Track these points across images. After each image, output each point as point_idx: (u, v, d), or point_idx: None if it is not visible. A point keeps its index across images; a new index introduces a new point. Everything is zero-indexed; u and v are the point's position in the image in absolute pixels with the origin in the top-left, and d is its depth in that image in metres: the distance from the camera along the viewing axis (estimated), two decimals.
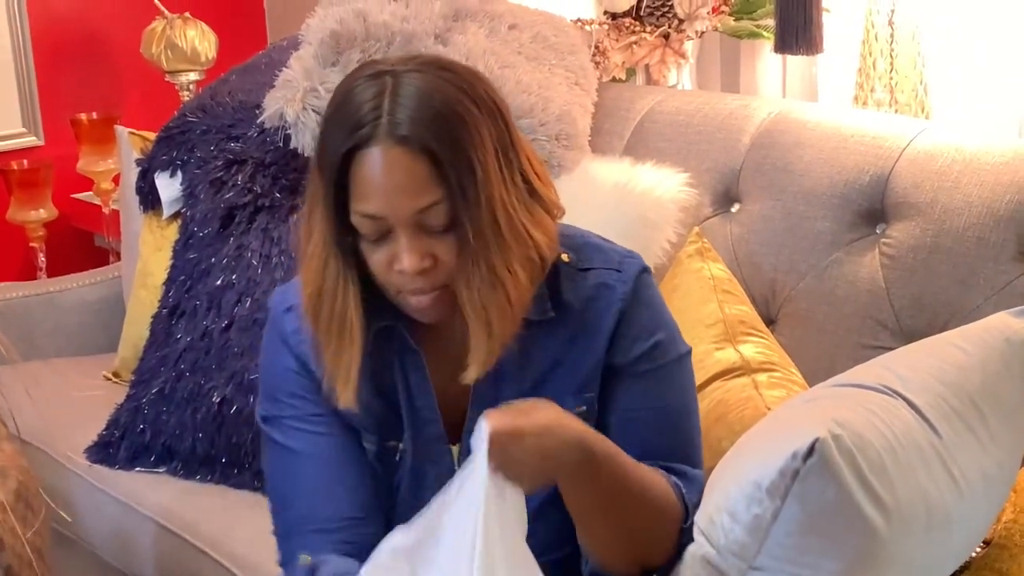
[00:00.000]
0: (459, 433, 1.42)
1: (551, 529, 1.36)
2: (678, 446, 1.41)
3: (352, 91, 1.29)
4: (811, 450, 1.16)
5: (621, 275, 1.41)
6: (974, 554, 1.50)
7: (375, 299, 1.36)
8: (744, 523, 1.21)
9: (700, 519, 1.29)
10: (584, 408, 1.39)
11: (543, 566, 1.24)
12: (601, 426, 1.39)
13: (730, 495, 1.24)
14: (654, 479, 1.35)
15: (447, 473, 1.33)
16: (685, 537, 1.32)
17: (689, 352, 1.46)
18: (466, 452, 1.33)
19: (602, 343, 1.39)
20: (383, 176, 1.26)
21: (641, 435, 1.39)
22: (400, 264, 1.29)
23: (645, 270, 1.44)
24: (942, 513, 1.27)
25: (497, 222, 1.28)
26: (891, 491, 1.20)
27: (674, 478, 1.37)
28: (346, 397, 1.35)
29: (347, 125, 1.27)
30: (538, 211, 1.34)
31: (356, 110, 1.27)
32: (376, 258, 1.31)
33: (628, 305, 1.40)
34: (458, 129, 1.26)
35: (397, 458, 1.43)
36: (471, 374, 1.33)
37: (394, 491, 1.44)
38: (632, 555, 1.35)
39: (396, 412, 1.42)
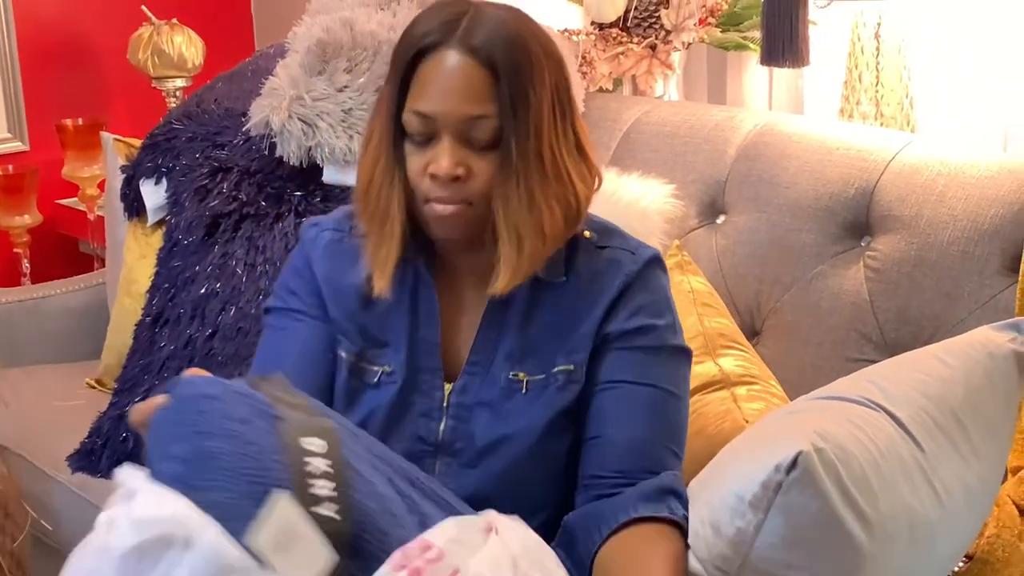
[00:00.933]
0: (454, 375, 1.46)
1: (534, 493, 1.41)
2: (666, 433, 1.43)
3: (435, 7, 1.39)
4: (794, 463, 1.16)
5: (634, 256, 1.47)
6: (957, 568, 1.50)
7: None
8: (727, 536, 1.21)
9: None
10: (572, 368, 1.43)
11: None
12: (593, 400, 1.43)
13: (713, 507, 1.23)
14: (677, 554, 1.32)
15: (434, 411, 1.43)
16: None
17: (689, 353, 1.48)
18: (458, 392, 1.43)
19: (599, 312, 1.44)
20: (445, 78, 1.35)
21: (632, 413, 1.42)
22: (436, 166, 1.36)
23: (658, 259, 1.49)
24: (925, 527, 1.27)
25: (541, 154, 1.36)
26: (874, 505, 1.20)
27: (682, 512, 1.35)
28: (380, 286, 1.43)
29: (424, 30, 1.37)
30: (582, 166, 1.42)
31: (435, 19, 1.37)
32: (415, 160, 1.38)
33: (632, 281, 1.45)
34: (523, 59, 1.35)
35: (376, 380, 1.47)
36: (499, 286, 1.39)
37: (365, 417, 1.46)
38: None
39: (388, 337, 1.47)
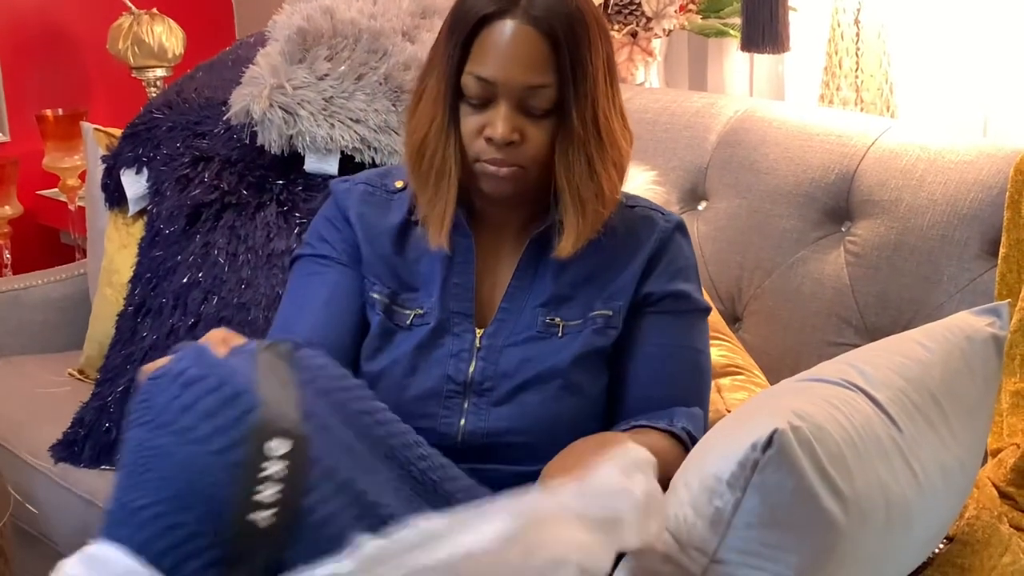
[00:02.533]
0: (486, 322, 1.52)
1: (566, 432, 1.43)
2: (694, 390, 1.52)
3: None
4: (770, 441, 1.17)
5: (665, 217, 1.56)
6: (937, 550, 1.51)
7: None
8: (705, 517, 1.21)
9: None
10: (610, 313, 1.50)
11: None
12: (627, 359, 1.51)
13: (692, 490, 1.24)
14: (652, 442, 1.37)
15: (464, 352, 1.48)
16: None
17: (708, 310, 1.57)
18: (490, 335, 1.49)
19: (639, 264, 1.51)
20: (508, 46, 1.40)
21: (666, 371, 1.50)
22: (493, 130, 1.41)
23: (684, 225, 1.57)
24: (902, 506, 1.28)
25: (597, 122, 1.43)
26: (850, 483, 1.21)
27: (680, 424, 1.46)
28: (438, 240, 1.49)
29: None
30: (626, 131, 1.50)
31: None
32: (471, 121, 1.44)
33: (668, 239, 1.53)
34: (581, 31, 1.41)
35: (408, 322, 1.52)
36: (564, 249, 1.46)
37: (396, 357, 1.50)
38: None
39: (421, 282, 1.53)
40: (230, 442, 1.17)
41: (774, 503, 1.18)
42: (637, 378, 1.51)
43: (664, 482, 1.29)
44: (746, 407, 1.40)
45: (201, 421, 1.19)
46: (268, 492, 1.16)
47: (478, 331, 1.51)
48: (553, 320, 1.50)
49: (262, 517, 1.16)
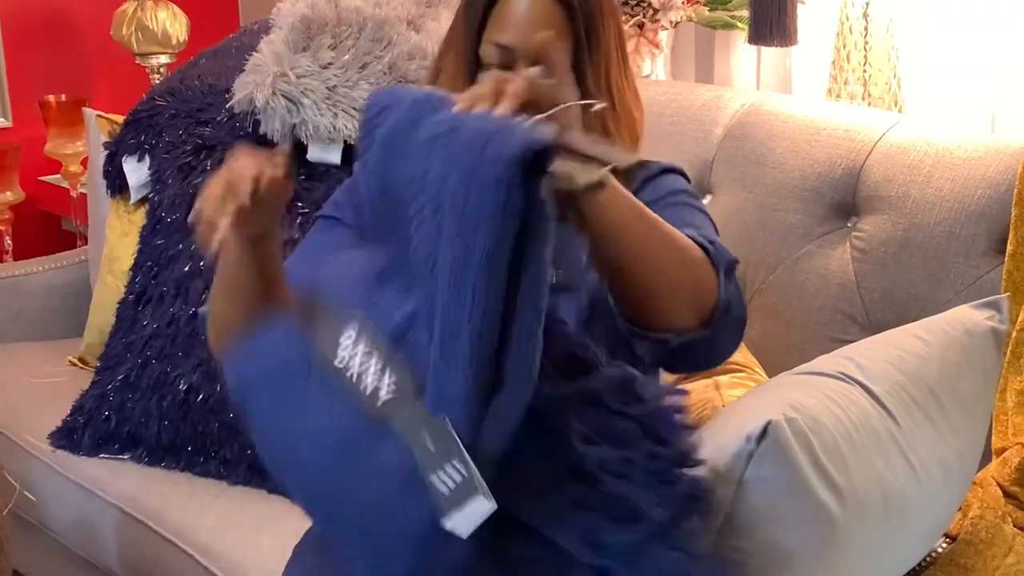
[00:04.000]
0: None
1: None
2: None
3: None
4: (764, 432, 1.16)
5: (659, 164, 1.56)
6: (940, 549, 1.50)
7: None
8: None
9: None
10: None
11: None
12: None
13: None
14: (675, 231, 1.35)
15: None
16: (724, 291, 1.32)
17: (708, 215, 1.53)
18: None
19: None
20: (524, 12, 1.45)
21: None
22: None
23: (675, 169, 1.57)
24: (899, 500, 1.27)
25: (610, 88, 1.49)
26: (846, 475, 1.20)
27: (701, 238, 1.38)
28: None
29: None
30: (638, 101, 1.55)
31: None
32: None
33: (654, 176, 1.53)
34: (595, 2, 1.47)
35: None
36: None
37: None
38: (678, 292, 1.32)
39: None
40: None
41: (770, 495, 1.18)
42: None
43: (686, 265, 1.29)
44: (742, 401, 1.39)
45: None
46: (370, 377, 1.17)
47: None
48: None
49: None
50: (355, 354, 1.17)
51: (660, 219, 1.32)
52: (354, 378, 1.15)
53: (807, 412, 1.20)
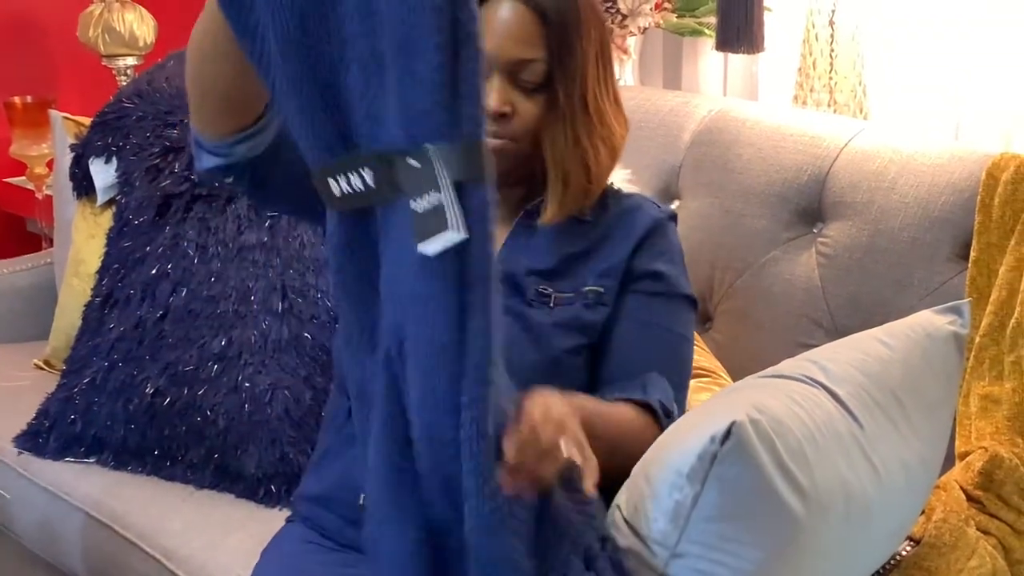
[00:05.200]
0: None
1: None
2: (667, 371, 1.52)
3: None
4: (728, 433, 1.17)
5: (659, 208, 1.62)
6: (904, 552, 1.51)
7: None
8: (666, 510, 1.22)
9: (626, 510, 1.28)
10: (601, 290, 1.54)
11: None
12: (605, 336, 1.53)
13: (653, 484, 1.24)
14: (623, 412, 1.44)
15: None
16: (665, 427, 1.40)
17: (695, 301, 1.60)
18: None
19: (631, 244, 1.55)
20: (501, 22, 1.48)
21: (637, 347, 1.53)
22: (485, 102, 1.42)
23: (676, 218, 1.64)
24: (861, 501, 1.28)
25: (586, 100, 1.50)
26: (809, 476, 1.21)
27: (656, 397, 1.47)
28: None
29: None
30: (620, 115, 1.57)
31: None
32: None
33: (660, 225, 1.58)
34: (573, 13, 1.49)
35: None
36: (546, 217, 1.53)
37: None
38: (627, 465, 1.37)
39: None
40: None
41: (733, 496, 1.18)
42: (610, 354, 1.53)
43: (636, 453, 1.31)
44: (707, 403, 1.41)
45: None
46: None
47: None
48: (546, 289, 1.53)
49: None
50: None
51: (610, 425, 1.38)
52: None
53: (771, 414, 1.21)
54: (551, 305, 1.52)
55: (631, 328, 1.53)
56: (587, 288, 1.53)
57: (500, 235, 1.57)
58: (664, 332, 1.55)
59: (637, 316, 1.54)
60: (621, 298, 1.54)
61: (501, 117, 1.49)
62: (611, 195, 1.60)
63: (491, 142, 1.46)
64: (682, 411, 1.52)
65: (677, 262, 1.59)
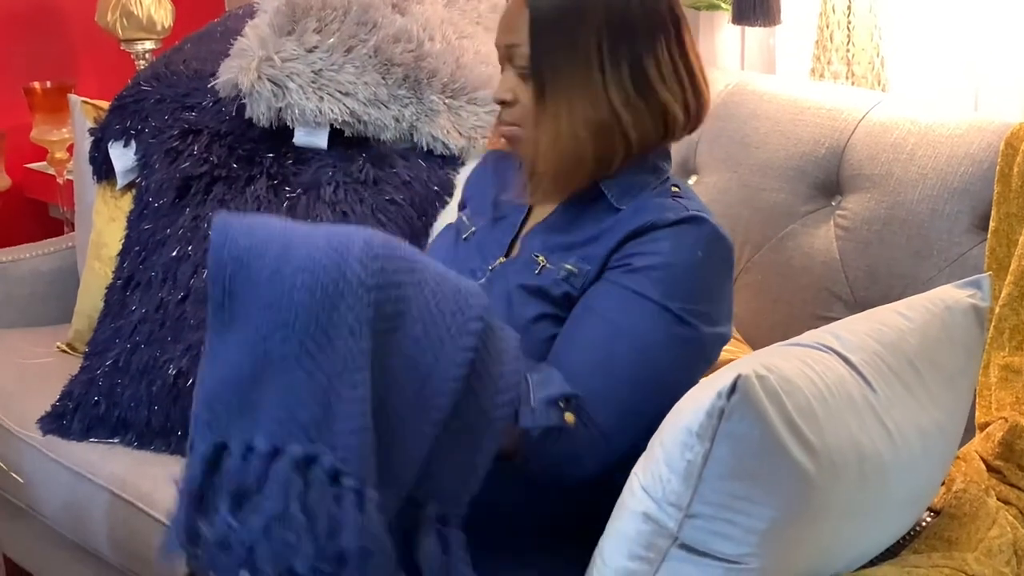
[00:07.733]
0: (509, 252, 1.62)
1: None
2: (596, 376, 1.44)
3: None
4: (734, 387, 1.17)
5: (681, 214, 1.49)
6: (925, 523, 1.51)
7: None
8: (679, 471, 1.22)
9: (643, 477, 1.28)
10: (576, 271, 1.51)
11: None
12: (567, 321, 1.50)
13: (666, 447, 1.24)
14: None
15: (477, 271, 1.59)
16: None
17: (683, 320, 1.45)
18: (503, 265, 1.59)
19: (619, 236, 1.49)
20: (504, 13, 1.55)
21: (576, 331, 1.48)
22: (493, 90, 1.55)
23: (698, 222, 1.49)
24: (875, 463, 1.29)
25: (575, 84, 1.48)
26: (819, 434, 1.21)
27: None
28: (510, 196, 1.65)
29: None
30: (639, 103, 1.50)
31: None
32: None
33: (657, 227, 1.48)
34: (566, 3, 1.48)
35: (467, 236, 1.68)
36: (532, 199, 1.60)
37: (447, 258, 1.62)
38: None
39: (483, 208, 1.70)
40: None
41: (743, 453, 1.19)
42: (559, 338, 1.49)
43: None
44: (720, 370, 1.40)
45: None
46: None
47: (501, 259, 1.61)
48: (538, 258, 1.55)
49: None
50: None
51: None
52: None
53: (780, 373, 1.22)
54: (537, 271, 1.54)
55: (577, 312, 1.49)
56: (566, 264, 1.52)
57: (541, 214, 1.61)
58: (601, 322, 1.45)
59: (587, 301, 1.49)
60: (592, 285, 1.51)
61: (504, 104, 1.54)
62: (659, 193, 1.53)
63: (502, 129, 1.55)
64: (629, 426, 1.42)
65: (668, 269, 1.46)
